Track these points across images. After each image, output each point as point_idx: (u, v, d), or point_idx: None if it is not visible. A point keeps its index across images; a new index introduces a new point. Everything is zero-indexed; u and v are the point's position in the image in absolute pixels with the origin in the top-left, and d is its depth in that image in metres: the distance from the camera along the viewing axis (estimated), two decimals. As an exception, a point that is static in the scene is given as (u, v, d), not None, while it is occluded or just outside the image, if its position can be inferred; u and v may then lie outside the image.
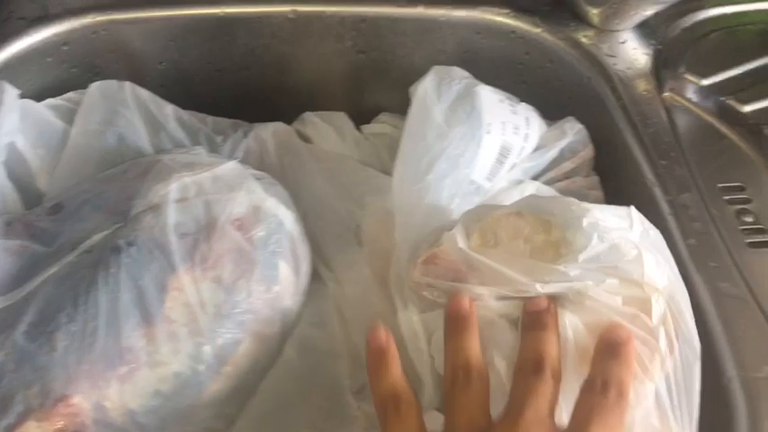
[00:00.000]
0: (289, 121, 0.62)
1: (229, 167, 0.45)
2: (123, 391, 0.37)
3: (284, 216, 0.43)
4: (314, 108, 0.65)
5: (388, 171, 0.55)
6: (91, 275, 0.39)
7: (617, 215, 0.39)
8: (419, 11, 0.61)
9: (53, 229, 0.43)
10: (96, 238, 0.41)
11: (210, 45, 0.61)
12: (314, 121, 0.61)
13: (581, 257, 0.36)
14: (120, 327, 0.37)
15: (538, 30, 0.60)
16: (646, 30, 0.60)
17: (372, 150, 0.61)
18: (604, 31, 0.60)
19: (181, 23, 0.59)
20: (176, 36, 0.59)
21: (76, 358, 0.36)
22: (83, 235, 0.41)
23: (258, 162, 0.53)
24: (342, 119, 0.63)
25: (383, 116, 0.65)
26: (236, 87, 0.63)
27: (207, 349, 0.39)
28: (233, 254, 0.41)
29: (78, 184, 0.47)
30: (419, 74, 0.60)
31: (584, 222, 0.37)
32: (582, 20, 0.60)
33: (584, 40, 0.59)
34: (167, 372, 0.38)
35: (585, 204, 0.38)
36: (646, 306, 0.38)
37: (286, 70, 0.64)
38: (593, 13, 0.59)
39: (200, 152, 0.48)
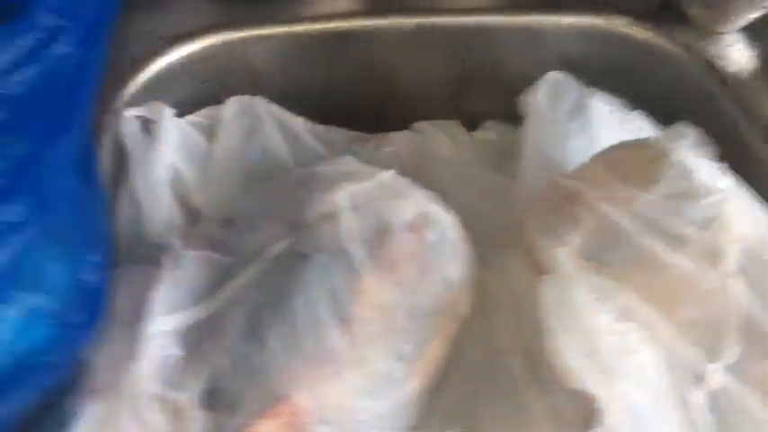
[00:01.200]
0: (399, 130, 0.64)
1: (388, 176, 0.46)
2: (337, 390, 0.38)
3: (447, 220, 0.45)
4: (421, 117, 0.66)
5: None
6: (285, 282, 0.41)
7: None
8: (529, 19, 0.62)
9: (229, 241, 0.45)
10: (278, 246, 0.43)
11: (326, 59, 0.62)
12: (428, 130, 0.63)
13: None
14: (320, 328, 0.39)
15: (648, 34, 0.61)
16: (752, 32, 0.61)
17: (484, 156, 0.63)
18: (711, 33, 0.61)
19: (300, 39, 0.61)
20: (296, 51, 0.61)
21: (288, 359, 0.38)
22: (261, 244, 0.43)
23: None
24: (455, 127, 0.65)
25: (489, 123, 0.67)
26: (349, 99, 0.65)
27: (403, 347, 0.41)
28: (410, 257, 0.42)
29: (241, 199, 0.49)
30: (524, 82, 0.62)
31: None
32: (688, 24, 0.62)
33: (691, 43, 0.61)
34: (372, 370, 0.39)
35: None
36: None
37: (396, 81, 0.65)
38: (700, 15, 0.61)
39: (351, 162, 0.49)
